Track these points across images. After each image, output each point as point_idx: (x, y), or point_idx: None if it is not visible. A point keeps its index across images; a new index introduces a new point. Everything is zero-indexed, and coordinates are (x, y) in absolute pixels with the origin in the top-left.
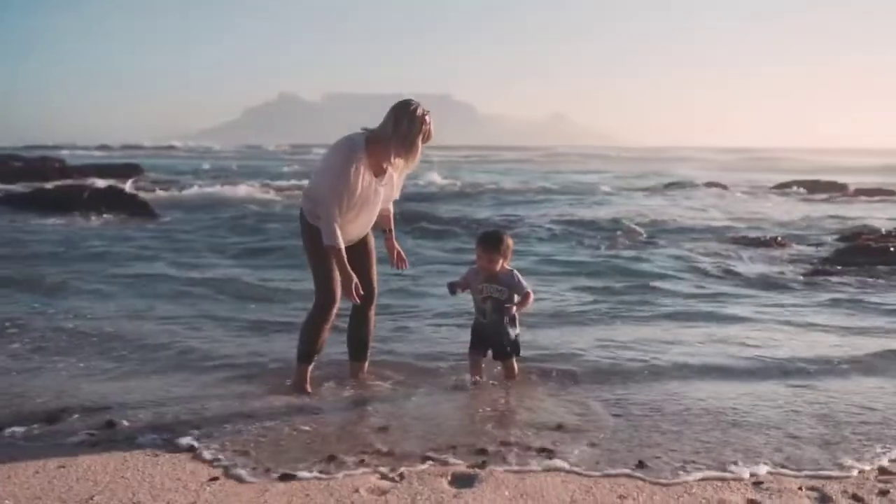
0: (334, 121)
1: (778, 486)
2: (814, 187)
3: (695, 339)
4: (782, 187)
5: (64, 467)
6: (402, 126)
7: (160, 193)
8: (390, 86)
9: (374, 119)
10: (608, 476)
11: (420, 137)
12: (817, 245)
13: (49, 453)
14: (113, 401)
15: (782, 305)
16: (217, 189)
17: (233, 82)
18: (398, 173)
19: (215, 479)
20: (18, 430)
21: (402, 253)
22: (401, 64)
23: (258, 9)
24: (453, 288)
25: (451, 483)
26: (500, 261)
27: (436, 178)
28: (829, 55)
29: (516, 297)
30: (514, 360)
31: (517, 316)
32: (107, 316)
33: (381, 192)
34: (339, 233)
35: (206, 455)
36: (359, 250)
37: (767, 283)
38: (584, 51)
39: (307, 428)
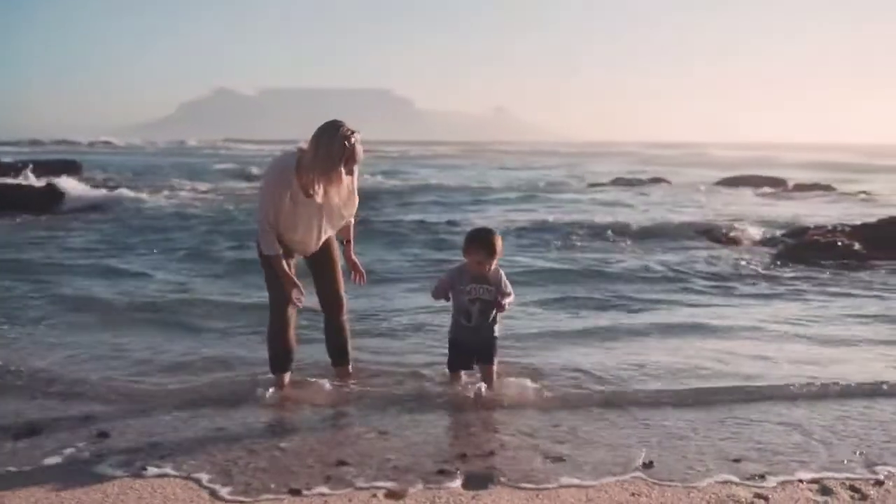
0: (271, 116)
1: (780, 480)
2: (756, 182)
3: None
4: (727, 183)
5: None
6: (321, 150)
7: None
8: (329, 80)
9: (311, 114)
10: (618, 476)
11: (340, 162)
12: (774, 242)
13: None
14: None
15: (753, 304)
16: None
17: (168, 77)
18: (338, 192)
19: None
20: None
21: (361, 267)
22: (340, 59)
23: (193, 3)
24: (438, 294)
25: (465, 486)
26: (494, 259)
27: (379, 178)
28: (764, 52)
29: (508, 299)
30: (495, 363)
31: (498, 318)
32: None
33: (322, 209)
34: (273, 240)
35: (203, 477)
36: (321, 261)
37: (735, 279)
38: (526, 45)
39: (300, 444)
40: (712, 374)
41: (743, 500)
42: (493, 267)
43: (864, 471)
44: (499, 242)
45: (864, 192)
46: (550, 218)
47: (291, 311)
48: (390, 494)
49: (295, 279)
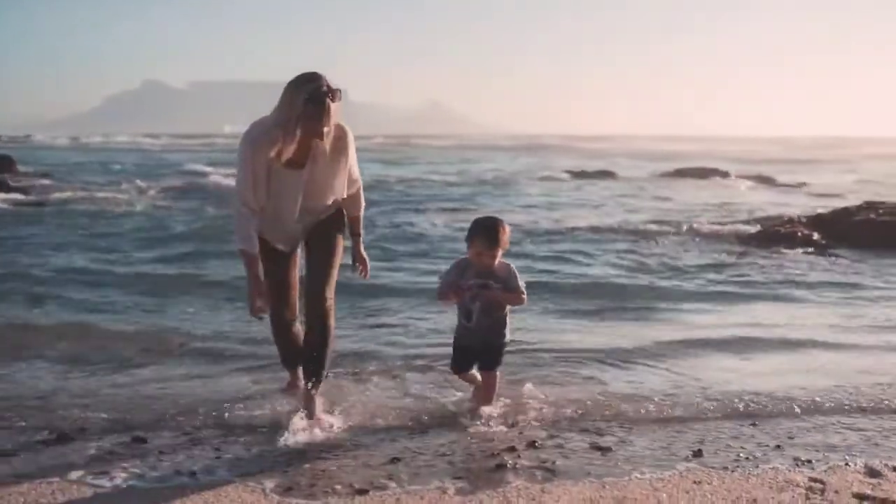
0: (201, 108)
1: (828, 465)
2: (701, 174)
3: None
4: (673, 175)
5: None
6: (283, 104)
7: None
8: (261, 73)
9: (243, 107)
10: (673, 465)
11: (298, 120)
12: (739, 231)
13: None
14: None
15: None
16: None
17: (92, 69)
18: (320, 159)
19: None
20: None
21: (367, 262)
22: (272, 50)
23: None
24: (446, 295)
25: (529, 480)
26: (499, 251)
27: None
28: (687, 47)
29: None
30: (498, 372)
31: (507, 321)
32: None
33: (300, 183)
34: (249, 229)
35: (264, 482)
36: (316, 256)
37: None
38: (460, 37)
39: (344, 443)
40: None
41: (801, 484)
42: (498, 260)
43: None
44: (503, 232)
45: (804, 183)
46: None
47: (290, 314)
48: (460, 491)
49: (262, 287)
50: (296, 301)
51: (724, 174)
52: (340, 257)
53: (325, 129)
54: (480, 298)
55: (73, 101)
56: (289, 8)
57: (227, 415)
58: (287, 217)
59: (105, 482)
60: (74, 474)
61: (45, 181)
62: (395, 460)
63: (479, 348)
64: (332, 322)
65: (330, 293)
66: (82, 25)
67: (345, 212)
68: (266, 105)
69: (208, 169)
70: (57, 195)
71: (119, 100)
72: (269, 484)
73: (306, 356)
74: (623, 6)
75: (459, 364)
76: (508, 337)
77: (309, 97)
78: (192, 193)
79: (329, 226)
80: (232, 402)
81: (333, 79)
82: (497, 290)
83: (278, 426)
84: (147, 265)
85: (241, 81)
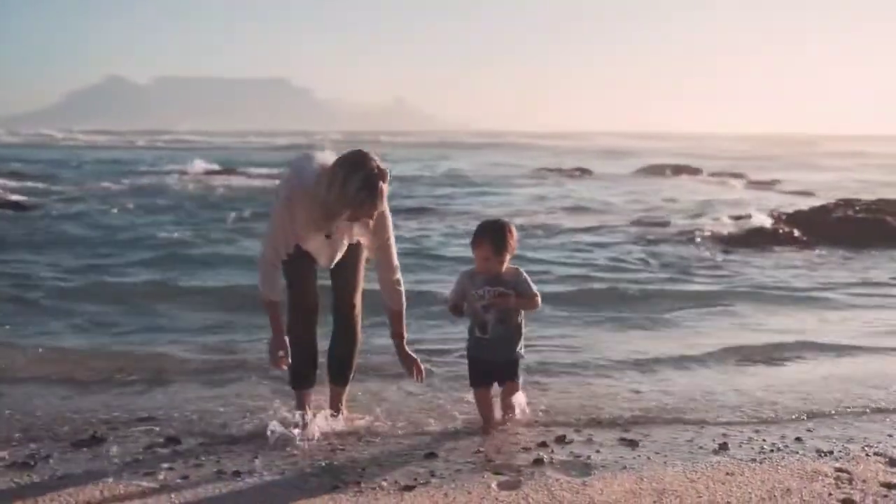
0: (166, 104)
1: (848, 454)
2: (673, 171)
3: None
4: (649, 172)
5: None
6: (335, 187)
7: None
8: (226, 69)
9: (207, 103)
10: (701, 458)
11: (353, 207)
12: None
13: None
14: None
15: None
16: None
17: (53, 65)
18: (349, 233)
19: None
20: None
21: (418, 362)
22: (237, 46)
23: None
24: (457, 309)
25: (568, 474)
26: (507, 256)
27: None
28: (656, 44)
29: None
30: (519, 382)
31: (523, 330)
32: None
33: (340, 243)
34: (275, 281)
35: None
36: (341, 262)
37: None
38: (426, 34)
39: (374, 439)
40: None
41: (829, 474)
42: (505, 265)
43: None
44: (511, 236)
45: (776, 180)
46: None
47: (313, 318)
48: (503, 485)
49: (284, 338)
50: (318, 305)
51: (696, 171)
52: (364, 262)
53: (378, 212)
54: (495, 308)
55: (32, 97)
56: (253, 3)
57: (253, 418)
58: (318, 260)
59: (151, 482)
60: (118, 475)
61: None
62: (431, 455)
63: (496, 360)
64: (359, 329)
65: (357, 300)
66: (43, 21)
67: (384, 301)
68: (229, 102)
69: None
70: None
71: (81, 95)
72: (314, 482)
73: (336, 362)
74: (588, 4)
75: (477, 379)
76: (522, 345)
77: (362, 185)
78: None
79: (352, 265)
80: (256, 407)
81: (300, 76)
82: (512, 298)
83: (303, 427)
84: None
85: (205, 77)
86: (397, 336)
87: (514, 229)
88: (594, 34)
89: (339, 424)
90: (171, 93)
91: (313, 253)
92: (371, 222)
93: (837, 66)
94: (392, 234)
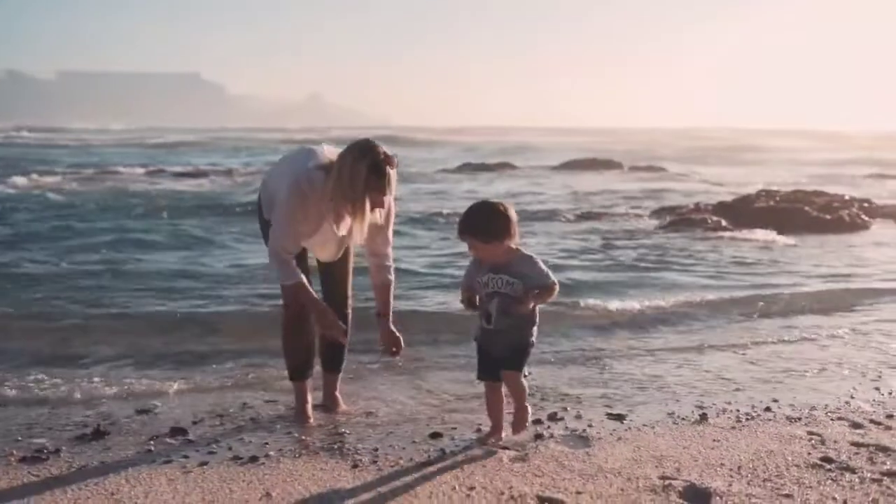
0: (71, 100)
1: (814, 419)
2: (594, 166)
3: None
4: (573, 167)
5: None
6: (343, 174)
7: None
8: (134, 63)
9: (116, 99)
10: (688, 428)
11: (363, 194)
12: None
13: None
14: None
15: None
16: None
17: None
18: (360, 227)
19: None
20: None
21: (399, 340)
22: (145, 40)
23: None
24: (471, 303)
25: (573, 447)
26: (503, 243)
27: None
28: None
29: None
30: (523, 378)
31: (536, 318)
32: None
33: (344, 240)
34: (294, 267)
35: (328, 456)
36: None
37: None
38: (342, 28)
39: (380, 419)
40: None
41: (803, 437)
42: (512, 250)
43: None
44: (497, 217)
45: (695, 172)
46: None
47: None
48: (514, 458)
49: (328, 308)
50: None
51: (618, 165)
52: (353, 253)
53: (387, 199)
54: (497, 297)
55: None
56: None
57: (254, 404)
58: (320, 255)
59: (174, 469)
60: (136, 464)
61: None
62: (436, 435)
63: (501, 352)
64: (350, 317)
65: (350, 290)
66: None
67: (372, 279)
68: (138, 98)
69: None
70: None
71: None
72: (332, 462)
73: (329, 349)
74: None
75: (483, 372)
76: (536, 336)
77: (371, 169)
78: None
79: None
80: (254, 393)
81: (212, 71)
82: (527, 302)
83: (304, 415)
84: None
85: (113, 73)
86: (384, 315)
87: (504, 208)
88: (505, 28)
89: (340, 411)
90: (76, 88)
91: (319, 246)
92: (382, 212)
93: (756, 60)
94: (393, 221)
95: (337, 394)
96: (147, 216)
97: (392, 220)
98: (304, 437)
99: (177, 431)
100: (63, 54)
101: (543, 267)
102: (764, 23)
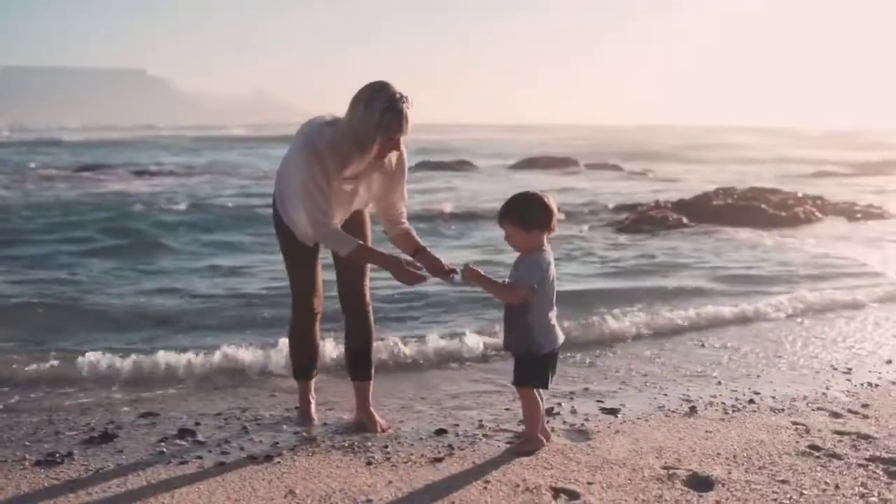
0: (13, 96)
1: (796, 410)
2: (549, 164)
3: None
4: (524, 166)
5: None
6: (358, 114)
7: None
8: (78, 59)
9: (59, 95)
10: (680, 421)
11: (379, 131)
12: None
13: None
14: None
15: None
16: None
17: None
18: (378, 174)
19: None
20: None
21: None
22: (90, 35)
23: None
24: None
25: (572, 439)
26: (537, 232)
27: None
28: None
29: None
30: (522, 386)
31: (533, 325)
32: None
33: (354, 194)
34: (346, 236)
35: (341, 451)
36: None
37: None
38: (286, 25)
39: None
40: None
41: (789, 427)
42: (537, 243)
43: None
44: (532, 207)
45: (648, 170)
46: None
47: (317, 306)
48: (520, 452)
49: (398, 259)
50: (322, 291)
51: (573, 163)
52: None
53: (403, 139)
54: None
55: None
56: None
57: (253, 405)
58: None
59: (192, 469)
60: (153, 465)
61: None
62: (441, 432)
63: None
64: (372, 319)
65: (367, 289)
66: None
67: (389, 234)
68: (81, 94)
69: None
70: None
71: None
72: (347, 460)
73: (353, 354)
74: None
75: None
76: (540, 350)
77: (387, 106)
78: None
79: (358, 221)
80: (250, 394)
81: (158, 67)
82: (483, 277)
83: (309, 414)
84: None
85: (55, 67)
86: (420, 249)
87: (546, 199)
88: (458, 24)
89: (380, 428)
90: (21, 83)
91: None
92: (393, 162)
93: (712, 58)
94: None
95: (371, 409)
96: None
97: (406, 174)
98: (312, 437)
99: (185, 433)
100: (4, 49)
101: (530, 269)
102: (714, 22)
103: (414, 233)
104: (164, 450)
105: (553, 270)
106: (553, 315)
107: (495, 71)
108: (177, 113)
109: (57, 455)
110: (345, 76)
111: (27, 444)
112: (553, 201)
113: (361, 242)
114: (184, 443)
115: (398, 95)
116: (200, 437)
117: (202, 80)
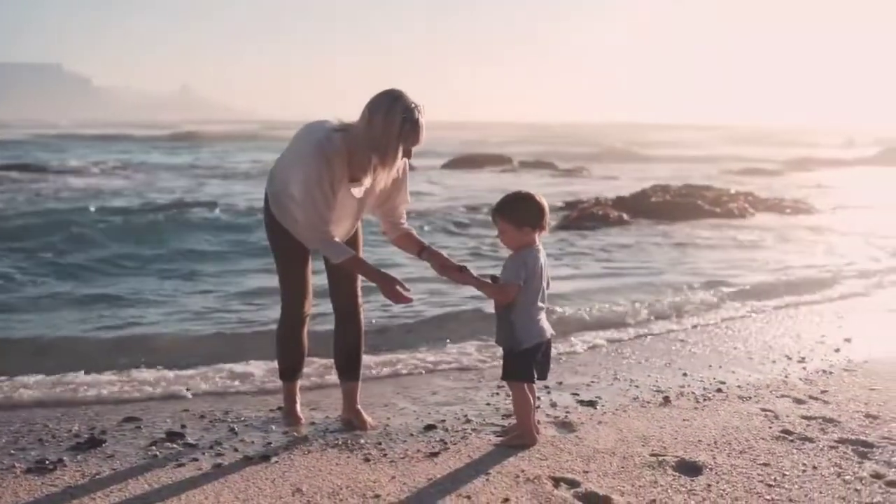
0: None
1: (762, 397)
2: (483, 162)
3: None
4: (456, 165)
5: None
6: (377, 124)
7: None
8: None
9: None
10: (657, 411)
11: (399, 140)
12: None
13: None
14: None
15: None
16: None
17: None
18: (385, 179)
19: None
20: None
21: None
22: (16, 31)
23: None
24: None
25: (559, 430)
26: (511, 231)
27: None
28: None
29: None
30: (511, 383)
31: (516, 320)
32: None
33: (363, 202)
34: (343, 248)
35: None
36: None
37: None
38: (212, 19)
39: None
40: None
41: (759, 413)
42: (528, 240)
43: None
44: (525, 204)
45: (583, 168)
46: None
47: (307, 308)
48: (513, 445)
49: (388, 276)
50: (311, 295)
51: (507, 160)
52: (362, 248)
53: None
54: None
55: None
56: None
57: (235, 408)
58: (335, 231)
59: (191, 471)
60: (149, 468)
61: None
62: (430, 427)
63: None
64: (363, 320)
65: (359, 289)
66: None
67: (390, 235)
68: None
69: None
70: None
71: None
72: (343, 457)
73: (344, 355)
74: None
75: None
76: (520, 345)
77: (406, 117)
78: None
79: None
80: (231, 396)
81: (75, 62)
82: (465, 274)
83: (295, 415)
84: None
85: None
86: (425, 250)
87: (539, 198)
88: (389, 19)
89: (368, 426)
90: None
91: (335, 222)
92: (399, 171)
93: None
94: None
95: (359, 407)
96: None
97: (408, 177)
98: (303, 436)
99: (174, 435)
100: None
101: (515, 267)
102: (654, 20)
103: (416, 233)
104: (157, 453)
105: (543, 267)
106: (541, 310)
107: (432, 66)
108: (97, 109)
109: (47, 462)
110: (270, 72)
111: (12, 452)
112: (545, 201)
113: (355, 254)
114: (175, 445)
115: (414, 105)
116: (190, 440)
117: (124, 75)
